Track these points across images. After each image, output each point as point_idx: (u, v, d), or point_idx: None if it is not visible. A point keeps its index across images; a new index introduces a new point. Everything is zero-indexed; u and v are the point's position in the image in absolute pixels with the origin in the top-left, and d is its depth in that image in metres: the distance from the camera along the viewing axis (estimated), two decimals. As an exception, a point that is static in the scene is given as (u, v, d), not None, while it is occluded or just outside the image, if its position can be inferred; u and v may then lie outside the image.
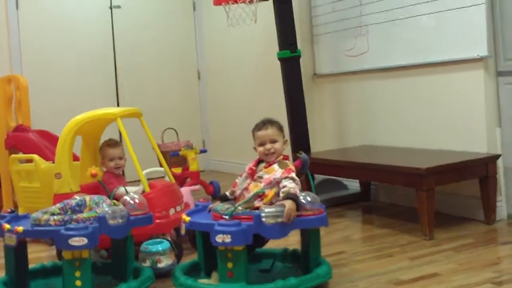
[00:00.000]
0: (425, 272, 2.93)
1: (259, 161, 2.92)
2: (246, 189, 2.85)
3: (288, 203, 2.60)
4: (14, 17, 6.02)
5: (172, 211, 3.37)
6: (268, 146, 2.85)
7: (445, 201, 4.03)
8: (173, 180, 3.75)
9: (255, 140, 2.93)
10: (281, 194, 2.67)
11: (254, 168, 2.89)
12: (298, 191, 2.69)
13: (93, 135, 3.65)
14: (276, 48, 4.81)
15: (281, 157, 2.87)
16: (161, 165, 3.87)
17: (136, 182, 3.91)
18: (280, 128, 2.94)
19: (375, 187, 4.74)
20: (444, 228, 3.71)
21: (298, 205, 2.63)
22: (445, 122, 4.13)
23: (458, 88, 4.02)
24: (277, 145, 2.86)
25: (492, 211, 3.77)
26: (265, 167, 2.84)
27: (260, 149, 2.88)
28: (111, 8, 6.53)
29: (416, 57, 4.29)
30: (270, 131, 2.88)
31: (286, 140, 2.95)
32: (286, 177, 2.73)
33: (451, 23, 4.00)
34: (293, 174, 2.76)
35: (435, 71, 4.18)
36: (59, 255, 3.24)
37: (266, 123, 2.91)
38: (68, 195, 3.23)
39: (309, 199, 2.67)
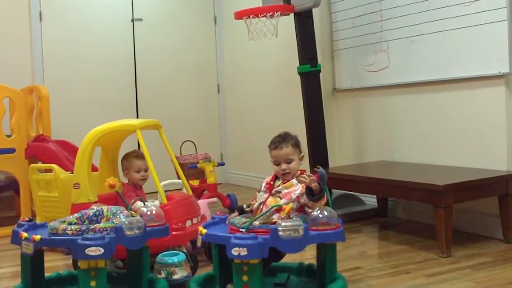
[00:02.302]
0: (442, 289, 2.91)
1: (277, 176, 2.92)
2: (263, 203, 2.84)
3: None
4: (38, 29, 6.09)
5: (188, 223, 3.38)
6: (283, 166, 2.86)
7: (464, 219, 4.00)
8: (191, 192, 3.76)
9: (270, 156, 2.93)
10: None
11: (271, 183, 2.89)
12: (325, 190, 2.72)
13: (113, 146, 3.68)
14: (296, 62, 4.82)
15: (298, 172, 2.86)
16: (179, 177, 3.88)
17: (154, 193, 3.93)
18: (296, 145, 2.92)
19: (392, 203, 4.72)
20: (462, 245, 3.67)
21: (320, 191, 2.67)
22: (465, 139, 4.10)
23: (478, 105, 4.00)
24: (293, 165, 2.87)
25: (511, 230, 3.73)
26: (283, 183, 2.85)
27: (276, 168, 2.88)
28: (132, 21, 6.59)
29: (437, 73, 4.27)
30: (284, 151, 2.87)
31: (303, 155, 2.94)
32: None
33: (472, 39, 3.98)
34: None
35: (455, 87, 4.16)
36: (75, 264, 3.26)
37: (281, 142, 2.90)
38: (86, 205, 3.25)
39: (326, 213, 2.65)
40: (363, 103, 5.06)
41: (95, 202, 3.37)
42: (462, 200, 3.66)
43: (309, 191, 2.71)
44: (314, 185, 2.68)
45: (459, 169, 4.04)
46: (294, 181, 2.83)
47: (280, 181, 2.87)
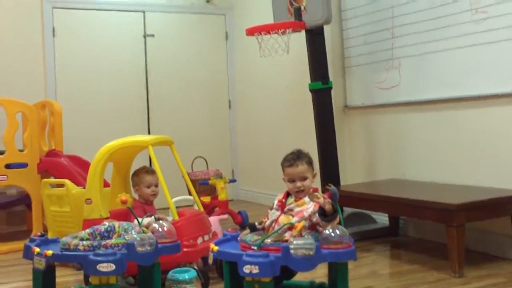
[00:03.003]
0: (455, 310, 2.89)
1: (288, 193, 2.91)
2: (275, 221, 2.84)
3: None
4: (51, 44, 6.15)
5: (200, 239, 3.38)
6: (299, 184, 2.85)
7: (476, 238, 3.97)
8: (202, 209, 3.76)
9: (284, 174, 2.93)
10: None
11: (283, 200, 2.89)
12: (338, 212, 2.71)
13: (124, 162, 3.69)
14: (307, 79, 4.83)
15: (311, 190, 2.86)
16: (190, 194, 3.89)
17: (165, 209, 3.93)
18: (310, 163, 2.92)
19: (404, 222, 4.70)
20: (474, 265, 3.64)
21: (334, 213, 2.66)
22: (477, 158, 4.08)
23: (491, 123, 3.99)
24: (307, 182, 2.86)
25: (524, 250, 3.72)
26: (296, 201, 2.84)
27: (290, 186, 2.88)
28: (144, 36, 6.64)
29: (448, 91, 4.27)
30: (300, 169, 2.87)
31: (315, 173, 2.93)
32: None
33: (484, 57, 3.98)
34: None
35: (467, 105, 4.15)
36: (86, 280, 3.26)
37: (296, 159, 2.89)
38: (98, 221, 3.26)
39: (338, 232, 2.64)
40: (374, 120, 5.05)
41: (107, 218, 3.38)
42: (474, 219, 3.64)
43: (321, 212, 2.71)
44: (328, 207, 2.68)
45: (471, 188, 4.02)
46: (306, 199, 2.83)
47: (293, 199, 2.87)
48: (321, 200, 2.68)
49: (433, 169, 4.43)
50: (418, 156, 4.58)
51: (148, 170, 3.59)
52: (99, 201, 3.44)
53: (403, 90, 4.69)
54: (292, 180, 2.87)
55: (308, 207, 2.79)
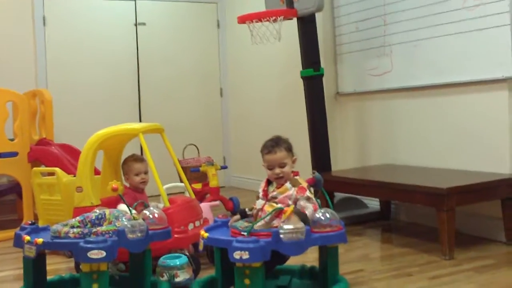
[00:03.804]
0: (445, 292, 2.90)
1: (269, 181, 2.91)
2: (261, 209, 2.84)
3: (293, 218, 2.62)
4: (41, 33, 6.12)
5: (191, 226, 3.38)
6: (277, 171, 2.84)
7: (466, 221, 3.99)
8: (193, 196, 3.76)
9: (263, 161, 2.92)
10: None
11: (265, 189, 2.89)
12: (311, 211, 2.69)
13: (115, 150, 3.68)
14: (299, 66, 4.82)
15: (291, 175, 2.86)
16: (181, 181, 3.89)
17: (156, 197, 3.94)
18: (289, 149, 2.90)
19: (395, 206, 4.71)
20: (464, 248, 3.67)
21: (303, 221, 2.63)
22: (468, 143, 4.10)
23: (481, 109, 4.00)
24: (286, 169, 2.84)
25: (514, 233, 3.73)
26: (278, 188, 2.84)
27: (269, 173, 2.87)
28: (136, 25, 6.61)
29: (440, 77, 4.27)
30: (278, 155, 2.85)
31: (295, 159, 2.91)
32: (301, 197, 2.73)
33: (475, 43, 3.98)
34: (308, 193, 2.76)
35: (458, 91, 4.16)
36: (77, 267, 3.27)
37: (275, 145, 2.88)
38: (89, 209, 3.26)
39: (328, 215, 2.66)
40: (366, 107, 5.06)
41: (98, 206, 3.37)
42: (465, 203, 3.65)
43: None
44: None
45: (462, 172, 4.04)
46: (288, 185, 2.82)
47: (274, 186, 2.86)
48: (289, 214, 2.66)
49: (424, 154, 4.45)
50: (409, 142, 4.59)
51: (137, 158, 3.57)
52: (90, 189, 3.44)
53: (395, 77, 4.69)
54: (271, 167, 2.86)
55: (290, 193, 2.78)
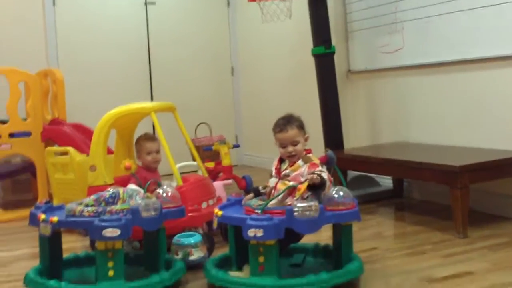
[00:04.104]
0: (459, 270, 2.89)
1: (282, 158, 2.91)
2: (274, 188, 2.84)
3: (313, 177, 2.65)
4: (51, 13, 6.12)
5: (204, 204, 3.40)
6: (290, 149, 2.83)
7: (480, 199, 3.98)
8: (206, 174, 3.77)
9: (275, 139, 2.91)
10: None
11: (278, 167, 2.88)
12: (327, 178, 2.70)
13: (127, 129, 3.69)
14: (310, 44, 4.80)
15: (304, 153, 2.86)
16: (194, 159, 3.89)
17: (169, 176, 3.95)
18: (301, 126, 2.89)
19: (408, 184, 4.71)
20: (478, 226, 3.66)
21: (323, 185, 2.66)
22: (481, 120, 4.07)
23: (494, 85, 3.97)
24: (299, 147, 2.83)
25: (528, 210, 3.72)
26: (290, 166, 2.83)
27: (282, 150, 2.86)
28: (146, 4, 6.60)
29: (452, 54, 4.24)
30: (290, 134, 2.84)
31: (307, 136, 2.90)
32: (314, 171, 2.73)
33: (488, 19, 3.94)
34: (320, 168, 2.75)
35: (471, 67, 4.13)
36: (92, 245, 3.29)
37: (287, 124, 2.87)
38: (102, 187, 3.27)
39: (341, 193, 2.65)
40: (377, 85, 5.03)
41: (111, 184, 3.39)
42: (478, 181, 3.63)
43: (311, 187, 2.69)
44: (316, 181, 2.66)
45: (475, 150, 4.02)
46: (300, 162, 2.81)
47: (287, 164, 2.86)
48: (310, 178, 2.66)
49: (437, 132, 4.43)
50: (422, 119, 4.57)
51: (148, 136, 3.55)
52: (103, 167, 3.45)
53: (407, 54, 4.66)
54: (283, 146, 2.86)
55: (303, 170, 2.78)
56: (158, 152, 3.53)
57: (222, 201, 3.56)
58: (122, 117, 3.50)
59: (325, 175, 2.71)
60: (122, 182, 3.41)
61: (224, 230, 3.44)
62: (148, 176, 3.40)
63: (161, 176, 3.66)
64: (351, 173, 4.72)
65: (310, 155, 2.85)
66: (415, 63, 4.58)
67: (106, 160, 3.51)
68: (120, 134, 3.67)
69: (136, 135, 3.71)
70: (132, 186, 3.18)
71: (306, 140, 2.89)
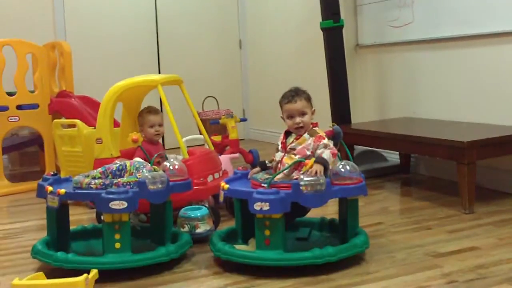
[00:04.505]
0: (464, 245, 2.89)
1: (287, 132, 2.90)
2: (280, 162, 2.84)
3: (316, 166, 2.62)
4: (59, -15, 6.09)
5: (210, 178, 3.40)
6: (298, 120, 2.81)
7: (487, 175, 3.98)
8: (212, 148, 3.77)
9: (283, 111, 2.89)
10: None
11: (284, 141, 2.88)
12: (328, 155, 2.69)
13: (134, 101, 3.68)
14: (318, 18, 4.77)
15: (311, 126, 2.85)
16: (200, 133, 3.89)
17: (176, 149, 3.95)
18: (309, 99, 2.87)
19: (415, 160, 4.70)
20: (484, 202, 3.66)
21: (326, 169, 2.64)
22: (490, 95, 4.05)
23: (505, 61, 3.93)
24: (306, 118, 2.82)
25: (535, 187, 3.72)
26: (296, 139, 2.83)
27: (289, 122, 2.84)
28: (154, -24, 6.56)
29: (462, 29, 4.20)
30: (299, 104, 2.82)
31: (314, 110, 2.89)
32: (318, 145, 2.73)
33: (499, -7, 3.90)
34: (325, 141, 2.75)
35: (481, 43, 4.09)
36: (98, 218, 3.32)
37: (295, 95, 2.85)
38: (109, 160, 3.28)
39: (348, 168, 2.65)
40: (386, 59, 5.00)
41: (118, 157, 3.40)
42: (485, 157, 3.62)
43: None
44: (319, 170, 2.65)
45: (483, 125, 4.01)
46: (306, 135, 2.80)
47: (293, 138, 2.84)
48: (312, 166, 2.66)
49: (445, 107, 4.41)
50: (430, 94, 4.55)
51: (151, 109, 3.53)
52: (110, 140, 3.46)
53: (416, 28, 4.62)
54: (291, 116, 2.84)
55: (309, 143, 2.77)
56: (160, 125, 3.51)
57: (228, 175, 3.57)
58: (129, 89, 3.49)
59: (328, 152, 2.70)
60: (128, 155, 3.42)
61: (229, 203, 3.45)
62: (151, 149, 3.39)
63: (168, 149, 3.67)
64: (358, 148, 4.71)
65: (316, 128, 2.84)
66: (424, 37, 4.54)
67: (113, 133, 3.51)
68: (126, 107, 3.67)
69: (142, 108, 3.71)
70: (138, 159, 3.19)
71: (313, 113, 2.87)
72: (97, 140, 3.49)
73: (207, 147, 3.87)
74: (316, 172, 2.60)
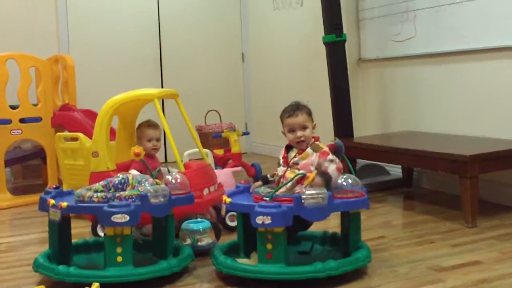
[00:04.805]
0: (467, 259, 2.89)
1: (288, 147, 2.90)
2: (283, 176, 2.84)
3: (317, 178, 2.66)
4: (63, -1, 6.12)
5: (206, 191, 3.39)
6: (299, 134, 2.81)
7: (489, 189, 3.97)
8: (208, 160, 3.77)
9: (284, 126, 2.89)
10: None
11: (285, 155, 2.88)
12: (333, 170, 2.70)
13: (130, 115, 3.69)
14: (321, 32, 4.78)
15: (312, 140, 2.85)
16: (203, 146, 3.89)
17: (173, 163, 3.94)
18: (309, 113, 2.88)
19: (417, 173, 4.69)
20: (487, 216, 3.65)
21: (328, 184, 2.66)
22: (492, 110, 4.05)
23: (506, 75, 3.94)
24: (307, 132, 2.82)
25: (538, 201, 3.71)
26: (299, 153, 2.83)
27: (291, 136, 2.84)
28: (157, -10, 6.59)
29: (464, 43, 4.21)
30: (300, 118, 2.83)
31: (315, 124, 2.89)
32: (324, 160, 2.73)
33: (499, 9, 3.91)
34: (330, 157, 2.75)
35: (483, 57, 4.10)
36: (94, 231, 3.36)
37: (296, 109, 2.86)
38: (105, 174, 3.29)
39: (350, 181, 2.65)
40: (388, 73, 5.01)
41: (114, 171, 3.40)
42: (488, 171, 3.62)
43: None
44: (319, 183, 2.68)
45: (485, 139, 4.01)
46: (309, 150, 2.79)
47: (295, 152, 2.84)
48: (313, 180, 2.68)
49: (447, 121, 4.41)
50: (432, 108, 4.55)
51: (151, 124, 3.54)
52: (106, 154, 3.44)
53: (418, 43, 4.63)
54: (292, 130, 2.84)
55: (312, 159, 2.77)
56: (158, 140, 3.52)
57: (223, 188, 3.59)
58: (125, 103, 3.49)
59: (333, 166, 2.71)
60: (124, 167, 3.41)
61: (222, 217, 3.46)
62: (148, 162, 3.39)
63: (169, 163, 3.66)
64: (361, 162, 4.71)
65: (318, 142, 2.83)
66: (426, 52, 4.55)
67: (109, 146, 3.51)
68: (122, 121, 3.67)
69: (138, 122, 3.71)
70: (134, 172, 3.20)
71: (314, 127, 2.87)
72: (93, 153, 3.49)
73: (211, 159, 3.86)
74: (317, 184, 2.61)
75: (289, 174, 2.79)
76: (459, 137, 4.19)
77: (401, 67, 4.87)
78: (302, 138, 2.82)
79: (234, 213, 3.23)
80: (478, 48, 4.10)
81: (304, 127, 2.83)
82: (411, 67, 4.75)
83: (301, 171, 2.75)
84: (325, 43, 4.75)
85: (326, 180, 2.66)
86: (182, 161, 3.53)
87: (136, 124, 3.68)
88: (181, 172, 3.35)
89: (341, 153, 2.86)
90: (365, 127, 5.23)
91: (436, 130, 4.50)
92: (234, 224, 3.46)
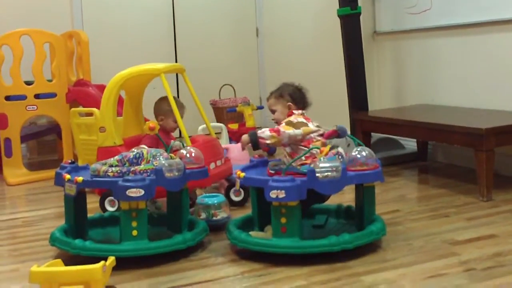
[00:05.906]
0: (482, 233, 2.88)
1: None
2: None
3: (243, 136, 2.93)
4: (76, -26, 6.11)
5: (212, 165, 3.39)
6: (272, 117, 3.04)
7: (505, 163, 3.94)
8: (214, 134, 3.76)
9: None
10: None
11: None
12: (264, 130, 2.87)
13: (137, 90, 3.68)
14: (336, 5, 4.74)
15: (283, 117, 2.97)
16: (217, 121, 3.88)
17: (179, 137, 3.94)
18: (280, 95, 3.02)
19: (432, 147, 4.67)
20: (502, 190, 3.63)
21: (254, 143, 2.86)
22: (508, 82, 4.01)
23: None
24: (276, 115, 3.02)
25: (554, 174, 3.68)
26: None
27: None
28: (171, -36, 6.55)
29: (481, 15, 4.16)
30: (268, 103, 3.07)
31: (290, 104, 2.98)
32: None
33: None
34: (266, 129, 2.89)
35: (500, 29, 4.05)
36: (102, 205, 3.41)
37: (269, 94, 3.08)
38: (112, 148, 3.31)
39: (364, 154, 2.65)
40: (404, 46, 4.97)
41: (121, 146, 3.41)
42: (504, 144, 3.59)
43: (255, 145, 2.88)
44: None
45: (501, 112, 3.97)
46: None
47: None
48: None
49: (463, 94, 4.37)
50: (448, 81, 4.52)
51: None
52: (113, 128, 3.45)
53: (434, 15, 4.58)
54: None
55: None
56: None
57: (230, 162, 3.64)
58: (132, 78, 3.49)
59: (266, 129, 2.89)
60: (133, 142, 3.40)
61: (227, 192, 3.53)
62: (164, 138, 3.39)
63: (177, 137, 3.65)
64: (376, 135, 4.69)
65: (290, 117, 2.93)
66: (442, 24, 4.50)
67: (116, 121, 3.51)
68: (129, 96, 3.67)
69: (145, 97, 3.70)
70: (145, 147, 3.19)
71: (289, 108, 2.97)
72: (100, 128, 3.50)
73: (225, 133, 3.85)
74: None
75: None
76: (475, 110, 4.16)
77: (416, 40, 4.82)
78: (275, 120, 3.01)
79: (239, 189, 3.28)
80: (496, 20, 4.04)
81: (272, 111, 3.05)
82: (427, 40, 4.70)
83: (313, 145, 2.75)
84: (340, 16, 4.71)
85: (252, 140, 2.84)
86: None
87: (143, 99, 3.67)
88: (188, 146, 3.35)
89: (344, 135, 2.86)
90: (380, 101, 5.20)
91: (452, 103, 4.47)
92: (238, 199, 3.53)
